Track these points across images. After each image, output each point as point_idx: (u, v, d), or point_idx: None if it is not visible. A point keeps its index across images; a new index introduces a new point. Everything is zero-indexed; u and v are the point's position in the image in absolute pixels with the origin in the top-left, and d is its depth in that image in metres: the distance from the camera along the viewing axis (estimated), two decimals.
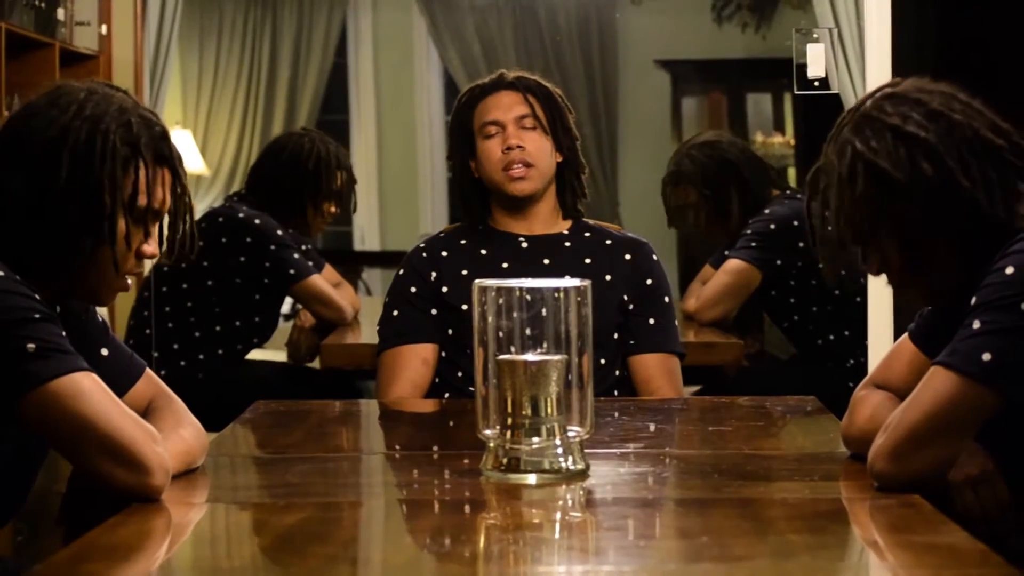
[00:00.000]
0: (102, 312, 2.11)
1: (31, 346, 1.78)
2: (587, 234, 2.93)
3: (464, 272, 2.86)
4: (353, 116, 7.48)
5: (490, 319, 1.95)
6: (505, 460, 1.93)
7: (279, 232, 3.99)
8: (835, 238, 1.96)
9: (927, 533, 1.68)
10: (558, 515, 1.86)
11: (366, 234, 7.47)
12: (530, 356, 1.92)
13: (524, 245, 2.89)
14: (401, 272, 2.93)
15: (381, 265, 7.06)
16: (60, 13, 4.38)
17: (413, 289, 2.89)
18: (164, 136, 1.94)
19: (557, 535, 1.76)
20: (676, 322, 2.94)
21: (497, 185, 2.88)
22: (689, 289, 4.17)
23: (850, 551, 1.72)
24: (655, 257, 2.94)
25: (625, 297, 2.87)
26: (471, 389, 2.66)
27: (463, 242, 2.93)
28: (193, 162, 6.91)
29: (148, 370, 2.11)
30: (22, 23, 4.13)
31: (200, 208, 6.61)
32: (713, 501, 1.87)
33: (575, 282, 1.96)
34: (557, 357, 1.93)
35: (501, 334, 1.94)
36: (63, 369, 1.79)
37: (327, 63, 7.34)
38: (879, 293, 3.83)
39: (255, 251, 3.96)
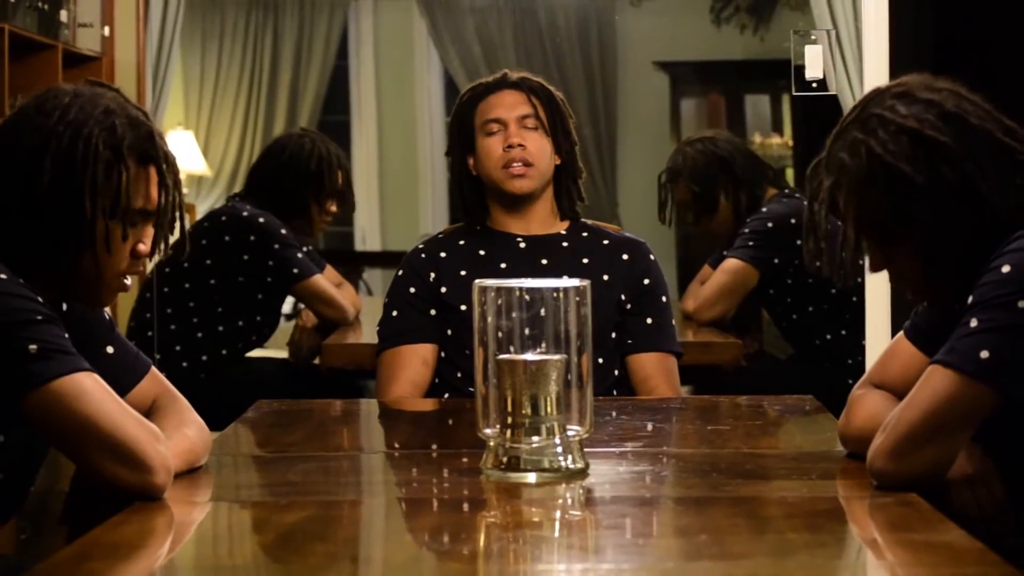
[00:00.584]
0: (108, 310, 2.13)
1: (33, 347, 1.79)
2: (584, 234, 2.94)
3: (463, 273, 2.87)
4: (354, 117, 7.50)
5: (490, 319, 1.96)
6: (505, 459, 1.94)
7: (283, 231, 4.01)
8: (851, 237, 1.94)
9: (925, 531, 1.69)
10: (557, 514, 1.86)
11: (367, 235, 7.49)
12: (530, 356, 1.93)
13: (522, 245, 2.90)
14: (400, 273, 2.94)
15: (382, 265, 7.08)
16: (63, 15, 4.39)
17: (412, 290, 2.90)
18: (150, 136, 1.93)
19: (556, 533, 1.76)
20: (673, 321, 2.95)
21: (496, 182, 2.89)
22: (688, 289, 4.18)
23: (848, 549, 1.73)
24: (652, 257, 2.95)
25: (623, 297, 2.88)
26: (471, 389, 2.67)
27: (462, 243, 2.94)
28: (195, 163, 6.93)
29: (153, 368, 2.12)
30: (25, 25, 4.14)
31: (202, 209, 6.63)
32: (711, 500, 1.88)
33: (574, 282, 1.97)
34: (556, 357, 1.93)
35: (501, 334, 1.95)
36: (65, 369, 1.80)
37: (328, 64, 7.36)
38: (876, 293, 3.84)
39: (259, 249, 3.97)
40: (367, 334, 3.79)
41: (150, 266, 2.31)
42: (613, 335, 2.87)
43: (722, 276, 3.99)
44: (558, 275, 2.23)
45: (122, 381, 1.93)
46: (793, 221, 3.91)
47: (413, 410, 2.77)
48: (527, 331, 1.95)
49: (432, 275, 2.90)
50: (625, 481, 2.02)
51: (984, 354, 1.80)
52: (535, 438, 1.93)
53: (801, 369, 4.05)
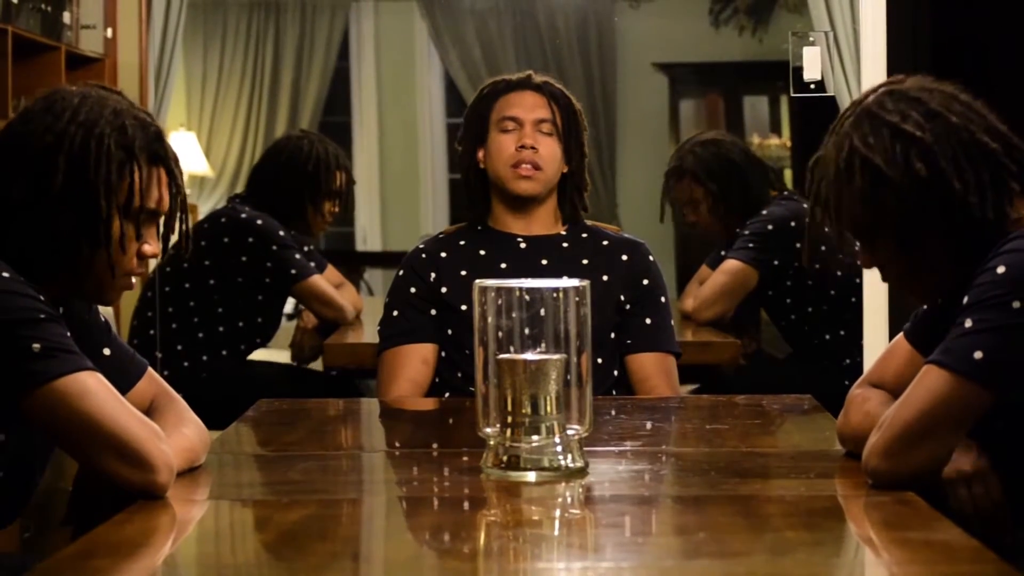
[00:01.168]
0: (105, 312, 2.13)
1: (37, 346, 1.80)
2: (584, 235, 2.95)
3: (463, 273, 2.88)
4: (355, 118, 7.51)
5: (490, 319, 1.96)
6: (505, 458, 1.95)
7: (281, 233, 4.01)
8: (835, 231, 1.97)
9: (921, 530, 1.70)
10: (557, 512, 1.87)
11: (368, 235, 7.50)
12: (529, 355, 1.94)
13: (522, 246, 2.92)
14: (401, 273, 2.95)
15: (383, 265, 7.09)
16: (66, 16, 4.41)
17: (413, 290, 2.91)
18: (159, 137, 1.95)
19: (556, 532, 1.77)
20: (672, 321, 2.96)
21: (502, 180, 2.90)
22: (686, 289, 4.18)
23: (845, 547, 1.74)
24: (651, 257, 2.96)
25: (622, 297, 2.90)
26: (471, 389, 2.68)
27: (462, 243, 2.95)
28: (197, 164, 6.94)
29: (150, 369, 2.12)
30: (28, 26, 4.16)
31: (204, 209, 6.64)
32: (710, 498, 1.89)
33: (574, 282, 1.98)
34: (556, 356, 1.94)
35: (501, 334, 1.96)
36: (68, 368, 1.81)
37: (329, 66, 7.37)
38: (875, 293, 3.84)
39: (257, 251, 3.98)
40: (368, 334, 3.80)
41: (152, 266, 2.31)
42: (612, 335, 2.88)
43: (722, 277, 4.00)
44: (558, 275, 2.24)
45: (119, 383, 1.94)
46: (792, 223, 3.92)
47: (413, 409, 2.78)
48: (527, 331, 1.95)
49: (432, 275, 2.91)
50: (624, 480, 2.03)
51: (978, 354, 1.81)
52: (535, 437, 1.94)
53: (799, 369, 4.06)
